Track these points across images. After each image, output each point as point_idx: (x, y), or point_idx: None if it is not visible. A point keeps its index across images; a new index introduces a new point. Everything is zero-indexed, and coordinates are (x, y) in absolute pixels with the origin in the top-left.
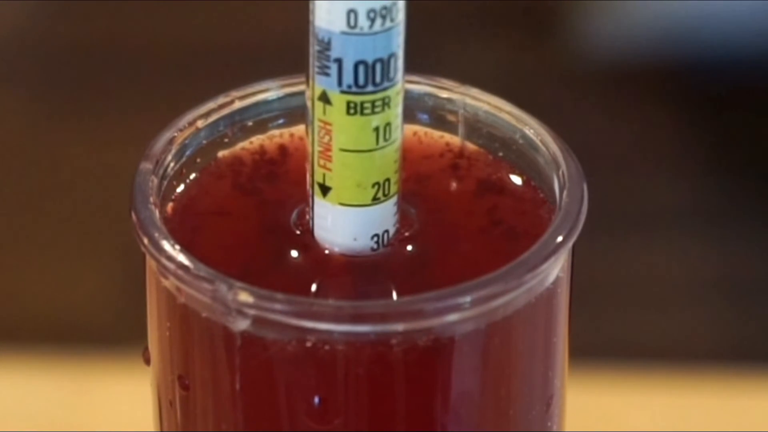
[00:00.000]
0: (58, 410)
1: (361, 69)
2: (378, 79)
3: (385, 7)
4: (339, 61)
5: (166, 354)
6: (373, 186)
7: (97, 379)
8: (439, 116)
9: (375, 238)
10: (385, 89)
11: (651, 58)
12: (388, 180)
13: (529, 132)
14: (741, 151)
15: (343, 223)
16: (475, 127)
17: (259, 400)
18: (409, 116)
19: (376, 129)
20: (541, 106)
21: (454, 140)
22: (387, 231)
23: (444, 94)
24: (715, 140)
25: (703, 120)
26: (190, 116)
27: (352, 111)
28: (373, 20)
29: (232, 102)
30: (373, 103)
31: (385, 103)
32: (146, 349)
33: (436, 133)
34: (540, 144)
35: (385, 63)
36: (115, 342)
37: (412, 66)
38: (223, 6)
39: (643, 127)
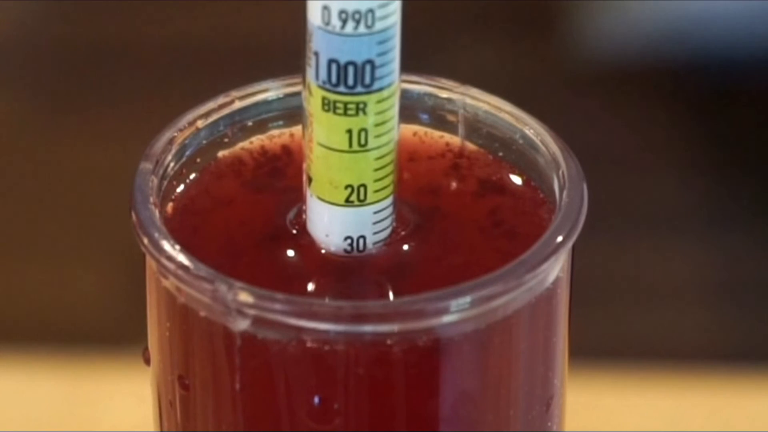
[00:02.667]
0: (58, 410)
1: (333, 67)
2: (351, 82)
3: (357, 11)
4: (317, 55)
5: (166, 354)
6: (346, 188)
7: (97, 379)
8: (439, 116)
9: (348, 240)
10: (359, 94)
11: (651, 58)
12: (364, 186)
13: (529, 132)
14: (741, 151)
15: (317, 216)
16: (475, 127)
17: (259, 400)
18: (409, 116)
19: (349, 132)
20: (541, 106)
21: (454, 140)
22: (363, 237)
23: (444, 94)
24: (715, 140)
25: (703, 120)
26: (190, 116)
27: (326, 107)
28: (344, 21)
29: (232, 102)
30: (345, 104)
31: (360, 109)
32: (146, 349)
33: (436, 133)
34: (540, 144)
35: (359, 68)
36: (115, 342)
37: (412, 66)
38: (224, 6)
39: (644, 127)
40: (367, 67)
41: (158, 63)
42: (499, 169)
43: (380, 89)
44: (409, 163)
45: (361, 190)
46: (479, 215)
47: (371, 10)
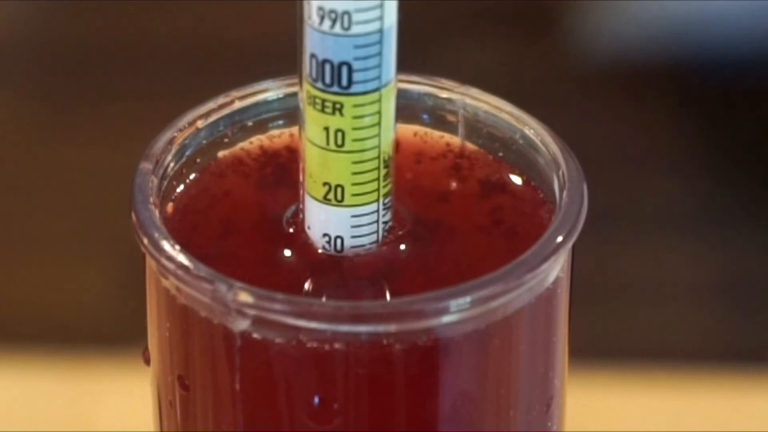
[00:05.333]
0: (58, 410)
1: (313, 62)
2: (327, 80)
3: (333, 11)
4: (304, 48)
5: (166, 354)
6: (324, 185)
7: (97, 379)
8: (439, 116)
9: (326, 238)
10: (335, 94)
11: (651, 58)
12: (341, 187)
13: (529, 132)
14: (741, 150)
15: (305, 208)
16: (475, 127)
17: (259, 401)
18: (409, 116)
19: (326, 129)
20: (541, 106)
21: (454, 140)
22: (341, 237)
23: (444, 94)
24: (715, 140)
25: (704, 120)
26: (190, 116)
27: (309, 100)
28: (321, 18)
29: (232, 102)
30: (323, 101)
31: (336, 109)
32: (146, 349)
33: (436, 134)
34: (540, 144)
35: (335, 68)
36: (115, 342)
37: (413, 66)
38: (224, 6)
39: (644, 126)
40: (344, 69)
41: (158, 63)
42: (499, 170)
43: (359, 93)
44: (409, 163)
45: (338, 190)
46: (479, 215)
47: (347, 12)
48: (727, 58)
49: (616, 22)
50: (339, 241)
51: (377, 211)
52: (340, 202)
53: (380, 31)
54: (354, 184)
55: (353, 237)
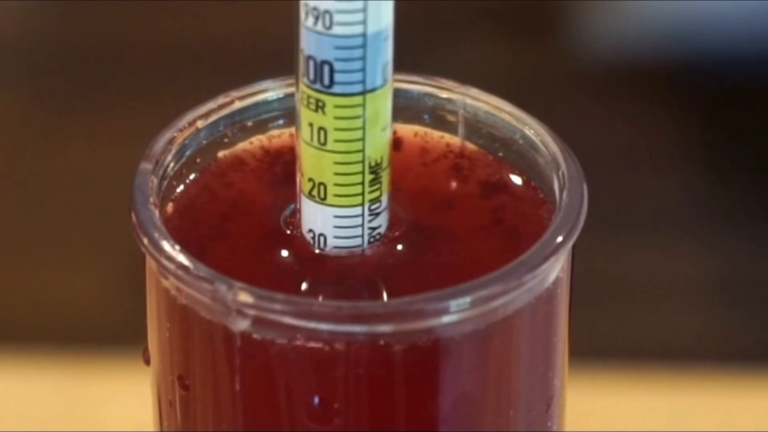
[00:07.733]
0: (58, 410)
1: (301, 57)
2: (311, 76)
3: (315, 8)
4: (298, 42)
5: (166, 354)
6: (309, 180)
7: (97, 379)
8: (439, 116)
9: (311, 234)
10: (318, 91)
11: (651, 58)
12: (323, 185)
13: (529, 132)
14: (741, 150)
15: (300, 204)
16: (475, 128)
17: (259, 401)
18: (409, 116)
19: (311, 125)
20: (541, 106)
21: (454, 140)
22: (323, 235)
23: (444, 94)
24: (715, 140)
25: (703, 120)
26: (190, 116)
27: (300, 94)
28: (306, 14)
29: (232, 102)
30: (308, 96)
31: (319, 107)
32: (146, 349)
33: (436, 134)
34: (540, 144)
35: (318, 65)
36: (115, 342)
37: (413, 66)
38: (224, 6)
39: (643, 127)
40: (326, 68)
41: (158, 63)
42: (499, 170)
43: (340, 94)
44: (408, 163)
45: (321, 187)
46: (479, 216)
47: (328, 11)
48: (727, 58)
49: (616, 22)
50: (322, 238)
51: (362, 215)
52: (322, 200)
53: (363, 35)
54: (336, 185)
55: (336, 237)
